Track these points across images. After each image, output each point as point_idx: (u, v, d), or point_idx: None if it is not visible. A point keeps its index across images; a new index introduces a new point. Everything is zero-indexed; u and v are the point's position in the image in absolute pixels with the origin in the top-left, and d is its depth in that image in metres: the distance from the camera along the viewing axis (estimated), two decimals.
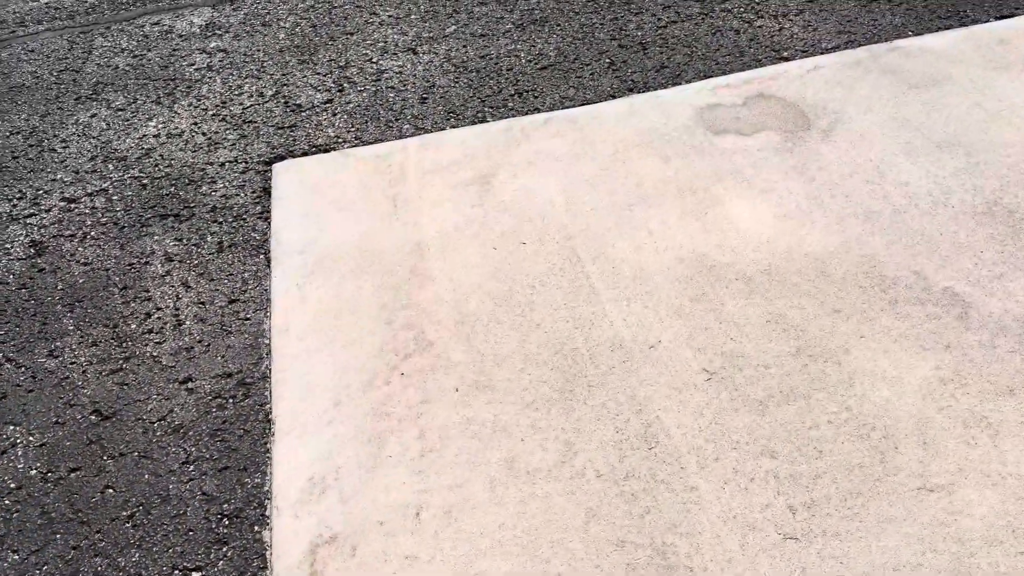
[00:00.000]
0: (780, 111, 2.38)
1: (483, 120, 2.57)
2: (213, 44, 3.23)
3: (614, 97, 2.58)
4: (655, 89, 2.58)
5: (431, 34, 3.07)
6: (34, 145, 2.74)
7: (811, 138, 2.27)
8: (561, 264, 1.99)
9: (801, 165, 2.18)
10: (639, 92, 2.58)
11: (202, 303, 2.02)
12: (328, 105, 2.76)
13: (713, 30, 2.84)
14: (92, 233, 2.30)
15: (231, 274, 2.10)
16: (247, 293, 2.04)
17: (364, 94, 2.78)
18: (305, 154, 2.54)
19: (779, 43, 2.72)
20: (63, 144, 2.72)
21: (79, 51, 3.30)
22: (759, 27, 2.82)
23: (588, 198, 2.18)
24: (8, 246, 2.30)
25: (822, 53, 2.63)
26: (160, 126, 2.75)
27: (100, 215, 2.37)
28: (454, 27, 3.10)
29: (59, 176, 2.56)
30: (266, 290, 2.04)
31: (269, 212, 2.30)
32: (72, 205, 2.42)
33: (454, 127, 2.56)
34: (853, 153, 2.19)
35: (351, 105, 2.74)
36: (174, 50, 3.22)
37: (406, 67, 2.89)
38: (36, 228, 2.35)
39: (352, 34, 3.16)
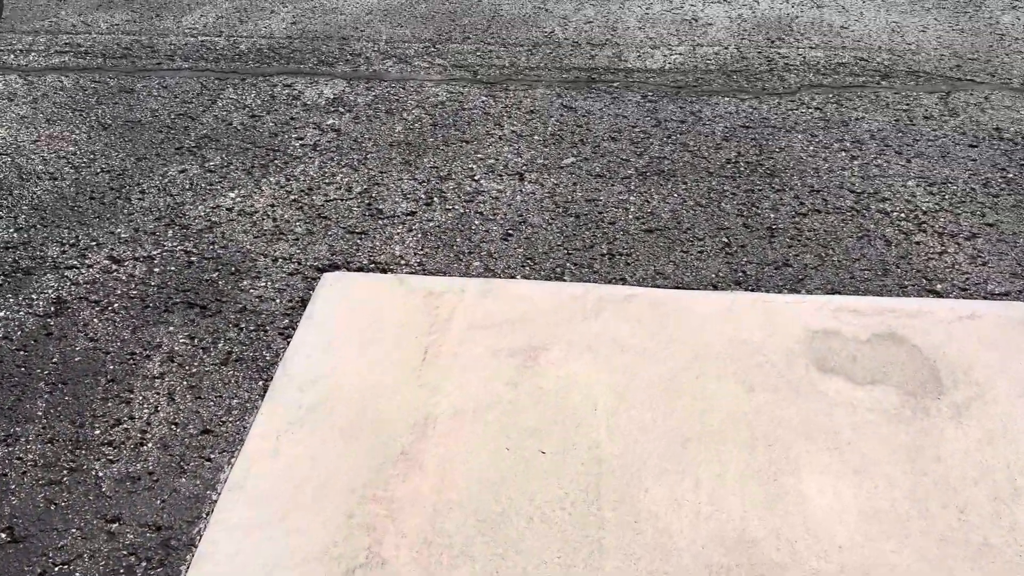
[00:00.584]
0: (909, 363, 1.91)
1: (560, 277, 2.26)
2: (330, 121, 3.13)
3: (716, 287, 2.20)
4: (767, 290, 2.18)
5: (546, 161, 2.82)
6: (115, 189, 2.69)
7: (939, 411, 1.79)
8: (575, 497, 1.62)
9: (915, 446, 1.71)
10: (747, 289, 2.19)
11: (175, 424, 1.80)
12: (409, 218, 2.54)
13: (860, 232, 2.40)
14: (115, 305, 2.16)
15: (220, 396, 1.88)
16: (224, 426, 1.80)
17: (450, 214, 2.55)
18: (361, 269, 2.32)
19: (935, 270, 2.25)
20: (140, 195, 2.65)
21: (205, 98, 3.29)
22: (916, 243, 2.36)
23: (638, 413, 1.80)
24: (34, 296, 2.20)
25: (985, 298, 2.14)
26: (237, 200, 2.63)
27: (133, 286, 2.23)
28: (572, 159, 2.83)
29: (118, 230, 2.47)
30: (245, 428, 1.79)
31: (294, 329, 2.08)
32: (113, 267, 2.31)
33: (525, 277, 2.26)
34: (988, 451, 1.70)
35: (431, 223, 2.51)
36: (291, 119, 3.14)
37: (504, 193, 2.64)
38: (68, 284, 2.24)
39: (467, 142, 2.96)
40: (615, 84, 3.34)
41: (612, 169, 2.77)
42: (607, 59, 3.57)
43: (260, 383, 1.91)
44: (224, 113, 3.18)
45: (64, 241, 2.42)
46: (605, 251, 2.36)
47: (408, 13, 4.10)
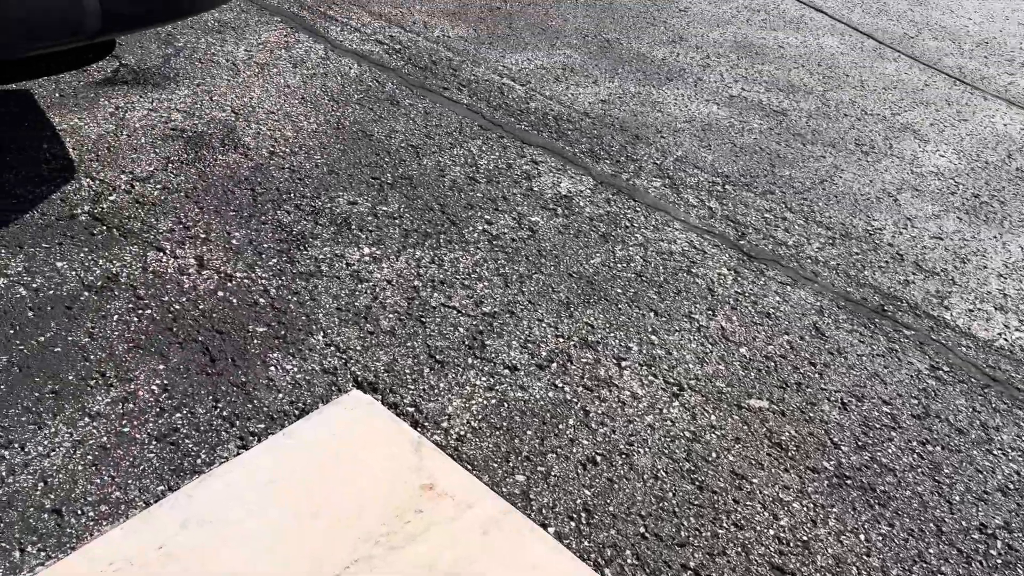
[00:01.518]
0: None
1: None
2: (535, 218, 2.66)
3: None
4: None
5: None
6: (251, 190, 2.51)
7: None
8: None
9: None
10: None
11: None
12: (497, 382, 1.99)
13: None
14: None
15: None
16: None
17: (550, 404, 1.95)
18: (395, 406, 1.84)
19: None
20: (286, 212, 2.43)
21: (448, 139, 3.02)
22: None
23: None
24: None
25: None
26: (363, 258, 2.29)
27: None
28: None
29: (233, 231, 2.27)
30: None
31: (258, 440, 1.67)
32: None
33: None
34: None
35: (518, 398, 1.93)
36: (503, 198, 2.74)
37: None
38: None
39: (673, 317, 2.30)
40: None
41: None
42: None
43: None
44: (448, 161, 2.88)
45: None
46: None
47: (726, 139, 3.47)
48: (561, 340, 2.19)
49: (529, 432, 1.89)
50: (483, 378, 2.02)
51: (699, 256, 2.65)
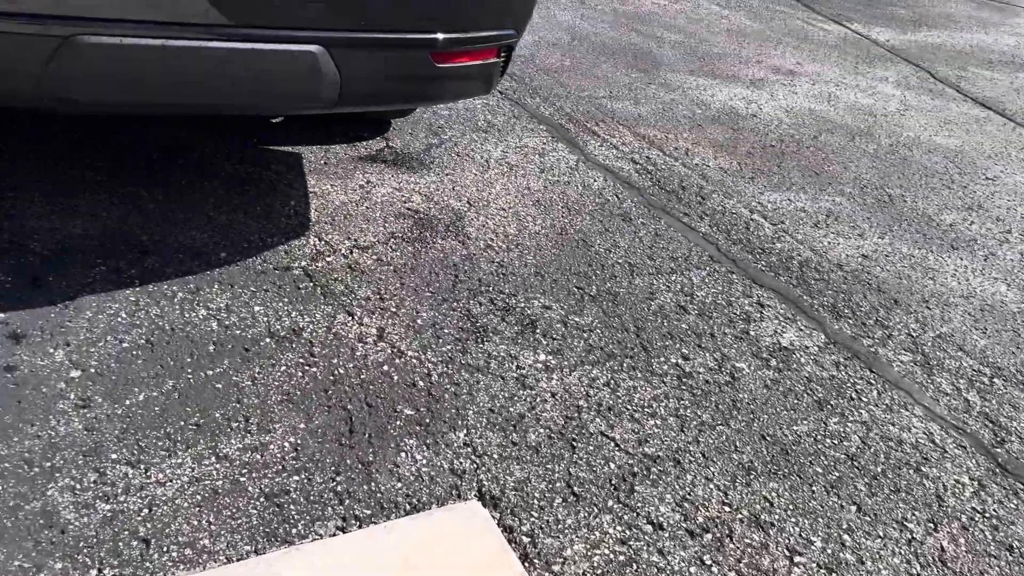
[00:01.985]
0: None
1: None
2: (741, 365, 2.37)
3: None
4: None
5: None
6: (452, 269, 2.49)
7: None
8: None
9: None
10: None
11: None
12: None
13: None
14: None
15: None
16: None
17: None
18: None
19: None
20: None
21: (680, 271, 2.84)
22: None
23: None
24: None
25: None
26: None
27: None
28: None
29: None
30: None
31: (360, 522, 1.57)
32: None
33: None
34: None
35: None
36: (709, 334, 2.49)
37: None
38: None
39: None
40: None
41: None
42: None
43: None
44: (661, 286, 2.69)
45: None
46: None
47: (1010, 327, 2.89)
48: (727, 509, 1.86)
49: None
50: (619, 528, 1.76)
51: (935, 454, 2.16)
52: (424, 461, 1.84)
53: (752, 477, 1.98)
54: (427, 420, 1.95)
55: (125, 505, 1.57)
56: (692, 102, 4.67)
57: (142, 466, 1.66)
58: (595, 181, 3.39)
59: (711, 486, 1.92)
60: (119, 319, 2.03)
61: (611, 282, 2.69)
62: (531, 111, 3.97)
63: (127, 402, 1.80)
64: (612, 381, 2.22)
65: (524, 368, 2.20)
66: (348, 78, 1.98)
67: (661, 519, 1.81)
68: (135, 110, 1.91)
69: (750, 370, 2.38)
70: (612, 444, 2.00)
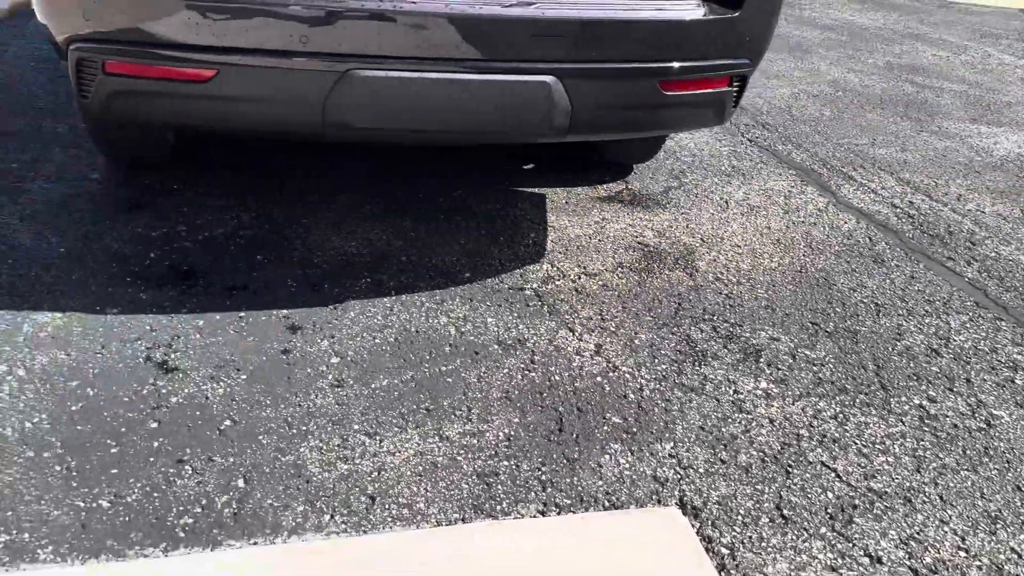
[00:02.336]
0: None
1: None
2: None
3: None
4: None
5: None
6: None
7: None
8: None
9: None
10: None
11: None
12: None
13: None
14: None
15: None
16: None
17: None
18: None
19: None
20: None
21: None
22: None
23: None
24: None
25: None
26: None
27: None
28: None
29: None
30: None
31: (559, 509, 1.65)
32: None
33: None
34: None
35: None
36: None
37: None
38: None
39: None
40: None
41: None
42: None
43: None
44: (912, 328, 2.48)
45: None
46: None
47: None
48: (962, 554, 1.66)
49: None
50: (830, 555, 1.65)
51: None
52: (627, 465, 1.87)
53: (999, 527, 1.74)
54: (634, 429, 1.98)
55: (359, 467, 1.79)
56: (970, 149, 4.28)
57: (377, 437, 1.88)
58: (845, 223, 3.24)
59: (946, 529, 1.73)
60: (375, 320, 2.32)
61: (852, 320, 2.54)
62: (781, 157, 3.90)
63: (373, 386, 2.05)
64: (841, 415, 2.09)
65: (742, 393, 2.15)
66: (579, 107, 2.14)
67: (881, 553, 1.66)
68: (397, 136, 2.22)
69: (1011, 419, 2.11)
70: (832, 475, 1.88)
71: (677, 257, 2.84)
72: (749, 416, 2.06)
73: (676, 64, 2.18)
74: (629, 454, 1.90)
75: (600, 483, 1.81)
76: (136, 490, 1.68)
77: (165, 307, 2.29)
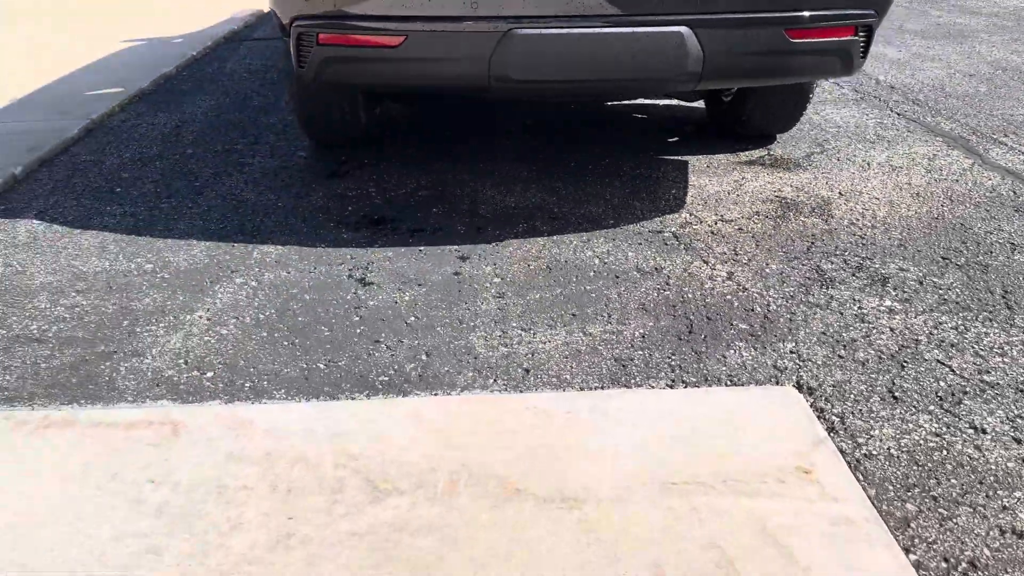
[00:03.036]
0: None
1: None
2: None
3: None
4: None
5: None
6: None
7: None
8: None
9: None
10: None
11: None
12: None
13: None
14: None
15: None
16: None
17: None
18: None
19: None
20: None
21: None
22: None
23: None
24: None
25: None
26: None
27: None
28: None
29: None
30: None
31: (686, 384, 1.94)
32: None
33: None
34: None
35: None
36: None
37: None
38: None
39: None
40: None
41: None
42: None
43: None
44: None
45: None
46: None
47: None
48: None
49: (955, 490, 1.64)
50: (935, 425, 1.82)
51: None
52: (749, 357, 2.11)
53: None
54: (759, 333, 2.22)
55: (516, 350, 2.15)
56: None
57: (531, 331, 2.24)
58: (989, 180, 3.27)
59: None
60: (530, 253, 2.69)
61: (985, 256, 2.62)
62: (928, 127, 3.94)
63: (527, 298, 2.41)
64: (961, 326, 2.22)
65: (866, 309, 2.32)
66: (710, 54, 2.43)
67: (986, 426, 1.81)
68: (549, 88, 2.58)
69: None
70: (946, 369, 2.02)
71: (813, 207, 3.02)
72: (870, 325, 2.23)
73: (800, 13, 2.41)
74: (752, 350, 2.14)
75: (724, 368, 2.07)
76: (344, 358, 2.13)
77: (361, 243, 2.77)
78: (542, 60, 2.42)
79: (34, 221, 2.97)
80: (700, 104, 4.04)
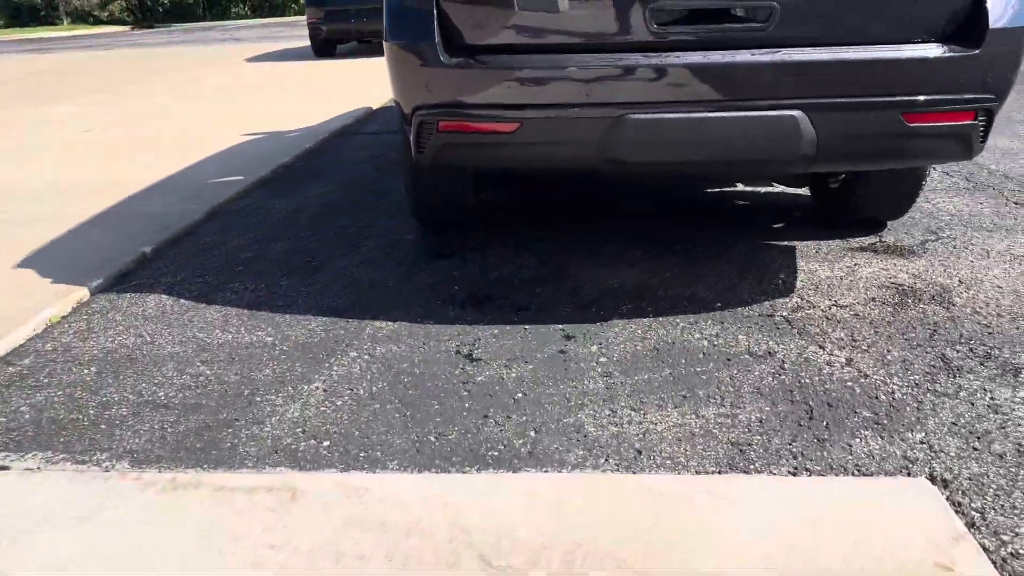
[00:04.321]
0: None
1: None
2: None
3: None
4: None
5: None
6: None
7: None
8: None
9: None
10: None
11: None
12: None
13: None
14: None
15: None
16: None
17: None
18: None
19: None
20: None
21: None
22: None
23: None
24: None
25: None
26: None
27: None
28: None
29: None
30: None
31: (810, 473, 1.86)
32: None
33: None
34: None
35: None
36: None
37: None
38: None
39: None
40: None
41: None
42: None
43: None
44: None
45: None
46: None
47: None
48: None
49: None
50: None
51: None
52: (876, 447, 2.01)
53: None
54: (884, 421, 2.11)
55: (627, 430, 2.11)
56: None
57: (642, 411, 2.20)
58: None
59: None
60: (636, 333, 2.67)
61: None
62: None
63: (636, 378, 2.38)
64: None
65: (999, 400, 2.19)
66: (824, 136, 2.42)
67: None
68: (660, 169, 2.61)
69: None
70: None
71: (932, 295, 2.91)
72: (1005, 417, 2.10)
73: (916, 97, 2.39)
74: (879, 439, 2.04)
75: (849, 457, 1.97)
76: (454, 431, 2.14)
77: (467, 320, 2.82)
78: (656, 143, 2.46)
79: (163, 296, 3.16)
80: (805, 191, 4.00)
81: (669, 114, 2.42)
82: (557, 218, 3.94)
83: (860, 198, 3.45)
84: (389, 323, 2.82)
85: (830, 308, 2.82)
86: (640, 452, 2.02)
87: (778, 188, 4.23)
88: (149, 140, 6.42)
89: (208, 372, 2.51)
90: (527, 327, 2.75)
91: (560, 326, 2.76)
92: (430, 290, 3.10)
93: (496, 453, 2.04)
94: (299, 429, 2.18)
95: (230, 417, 2.25)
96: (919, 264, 3.20)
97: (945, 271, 3.12)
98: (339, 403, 2.30)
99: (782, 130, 2.41)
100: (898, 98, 2.42)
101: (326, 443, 2.11)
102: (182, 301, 3.10)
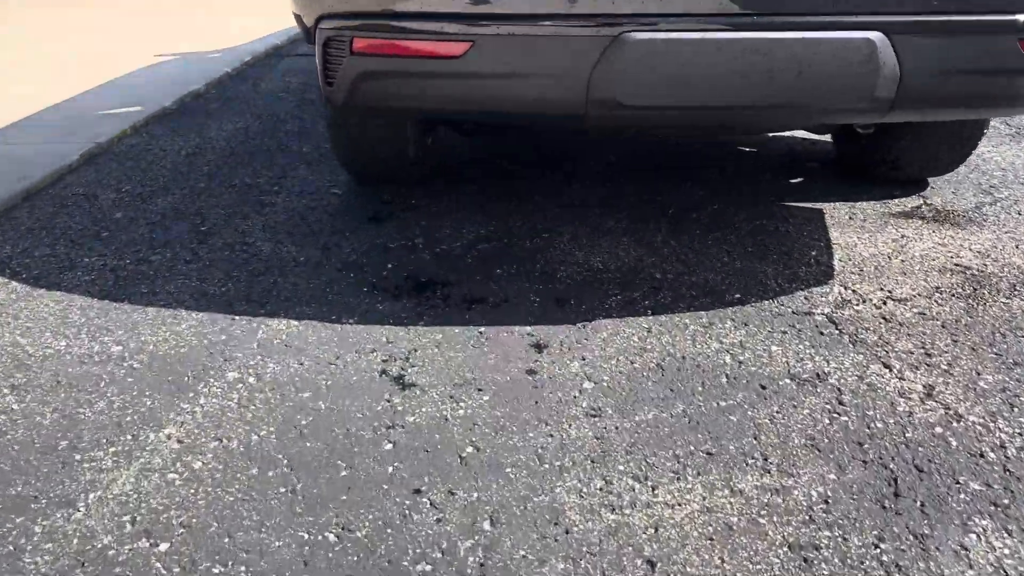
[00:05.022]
0: None
1: None
2: None
3: None
4: None
5: None
6: None
7: None
8: None
9: None
10: None
11: None
12: None
13: None
14: None
15: None
16: None
17: None
18: None
19: None
20: None
21: None
22: None
23: None
24: None
25: None
26: None
27: None
28: None
29: None
30: None
31: None
32: None
33: None
34: None
35: None
36: None
37: None
38: None
39: None
40: None
41: None
42: None
43: None
44: None
45: None
46: None
47: None
48: None
49: None
50: None
51: None
52: (1007, 551, 1.32)
53: None
54: (1004, 501, 1.43)
55: (630, 520, 1.40)
56: None
57: (649, 483, 1.48)
58: None
59: None
60: (631, 342, 1.95)
61: None
62: None
63: (636, 418, 1.67)
64: None
65: None
66: (911, 72, 1.66)
67: None
68: (670, 118, 1.85)
69: None
70: None
71: (1013, 283, 2.22)
72: None
73: None
74: (1006, 535, 1.36)
75: (969, 572, 1.29)
76: (367, 524, 1.40)
77: (402, 319, 2.06)
78: (667, 77, 1.68)
79: None
80: (827, 137, 3.25)
81: (687, 34, 1.63)
82: (528, 166, 3.15)
83: (904, 151, 2.73)
84: (291, 322, 2.05)
85: (885, 303, 2.12)
86: (653, 566, 1.31)
87: (788, 133, 3.48)
88: (40, 60, 5.39)
89: (15, 409, 1.73)
90: (483, 330, 2.01)
91: (528, 328, 2.01)
92: (354, 270, 2.32)
93: (429, 568, 1.31)
94: (127, 518, 1.42)
95: (25, 494, 1.48)
96: (983, 238, 2.50)
97: (1018, 247, 2.43)
98: (197, 468, 1.54)
99: (851, 60, 1.64)
100: (1016, 16, 1.66)
101: (163, 547, 1.36)
102: (13, 285, 2.28)
